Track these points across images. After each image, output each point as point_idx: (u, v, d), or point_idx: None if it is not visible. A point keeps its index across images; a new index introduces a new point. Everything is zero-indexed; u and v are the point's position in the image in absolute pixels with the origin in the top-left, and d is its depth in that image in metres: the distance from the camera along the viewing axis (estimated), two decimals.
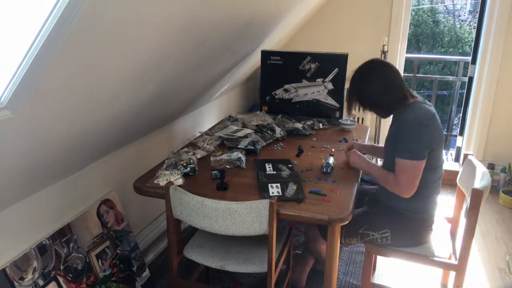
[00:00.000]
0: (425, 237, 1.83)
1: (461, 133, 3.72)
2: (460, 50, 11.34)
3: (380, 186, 1.94)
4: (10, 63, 1.03)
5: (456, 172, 2.16)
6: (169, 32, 1.47)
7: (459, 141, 3.78)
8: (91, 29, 1.08)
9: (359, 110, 1.86)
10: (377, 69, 1.76)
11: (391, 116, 1.86)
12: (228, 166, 1.94)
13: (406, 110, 1.71)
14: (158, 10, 1.27)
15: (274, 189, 1.68)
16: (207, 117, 3.13)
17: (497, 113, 3.47)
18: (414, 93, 1.80)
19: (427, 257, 1.80)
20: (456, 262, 1.77)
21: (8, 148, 1.22)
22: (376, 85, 1.74)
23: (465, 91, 3.63)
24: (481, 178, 1.75)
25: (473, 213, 1.67)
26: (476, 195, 1.65)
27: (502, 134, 3.50)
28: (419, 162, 1.64)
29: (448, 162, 3.87)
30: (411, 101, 1.74)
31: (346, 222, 1.56)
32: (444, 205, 3.22)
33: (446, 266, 1.82)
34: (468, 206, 1.69)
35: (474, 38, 3.51)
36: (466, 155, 2.01)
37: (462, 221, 1.82)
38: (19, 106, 1.11)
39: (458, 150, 3.82)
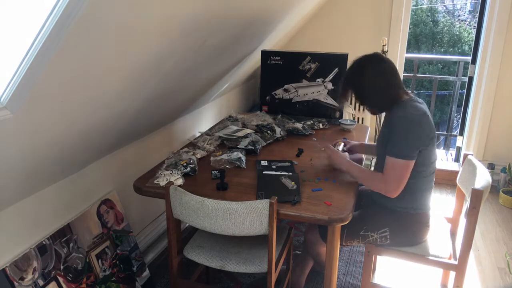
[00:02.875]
0: (423, 234, 1.83)
1: (461, 133, 3.72)
2: (460, 50, 11.34)
3: None
4: (10, 63, 1.03)
5: (456, 172, 2.17)
6: (169, 32, 1.47)
7: (459, 141, 3.78)
8: (91, 29, 1.08)
9: (351, 103, 1.84)
10: (378, 62, 1.73)
11: (383, 115, 1.84)
12: (228, 166, 1.94)
13: (398, 109, 1.70)
14: (158, 10, 1.27)
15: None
16: (207, 117, 3.13)
17: (497, 113, 3.47)
18: (408, 91, 1.79)
19: (427, 257, 1.80)
20: (456, 262, 1.77)
21: (8, 148, 1.22)
22: (375, 78, 1.72)
23: (465, 91, 3.63)
24: (481, 178, 1.75)
25: (473, 213, 1.67)
26: (476, 195, 1.65)
27: (502, 134, 3.50)
28: (408, 161, 1.64)
29: (448, 162, 3.88)
30: (404, 98, 1.74)
31: (346, 222, 1.56)
32: (444, 205, 3.22)
33: (446, 266, 1.82)
34: (468, 206, 1.69)
35: (474, 38, 3.51)
36: (466, 155, 2.01)
37: (462, 221, 1.82)
38: (19, 106, 1.11)
39: (458, 150, 3.82)
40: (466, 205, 1.79)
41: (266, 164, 1.97)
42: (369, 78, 1.72)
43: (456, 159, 3.86)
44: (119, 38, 1.23)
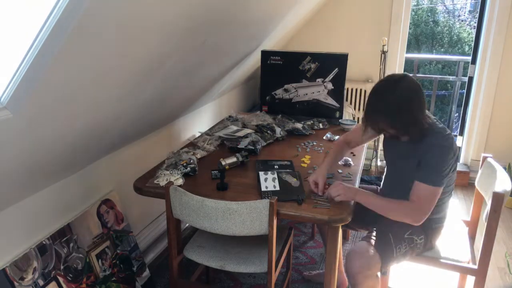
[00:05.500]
0: (436, 240, 1.84)
1: (461, 133, 3.72)
2: (460, 50, 11.33)
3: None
4: (10, 63, 1.03)
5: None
6: (169, 32, 1.47)
7: (459, 141, 3.78)
8: (91, 30, 1.08)
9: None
10: (417, 92, 1.58)
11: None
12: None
13: (430, 136, 1.62)
14: (158, 10, 1.27)
15: (270, 183, 1.66)
16: (207, 117, 3.13)
17: (497, 113, 3.47)
18: (429, 114, 1.68)
19: (446, 262, 1.77)
20: (475, 267, 1.73)
21: (8, 148, 1.22)
22: (416, 109, 1.57)
23: (465, 91, 3.63)
24: (502, 181, 1.72)
25: (493, 217, 1.64)
26: (497, 198, 1.62)
27: (502, 134, 3.50)
28: (440, 188, 1.61)
29: None
30: (428, 121, 1.63)
31: (346, 222, 1.56)
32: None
33: (466, 271, 1.78)
34: (489, 209, 1.66)
35: (474, 38, 3.51)
36: (485, 158, 1.97)
37: (481, 224, 1.79)
38: (19, 106, 1.11)
39: (459, 150, 3.82)
40: (486, 208, 1.75)
41: (266, 163, 1.96)
42: (412, 109, 1.56)
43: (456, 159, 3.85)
44: (119, 39, 1.23)
